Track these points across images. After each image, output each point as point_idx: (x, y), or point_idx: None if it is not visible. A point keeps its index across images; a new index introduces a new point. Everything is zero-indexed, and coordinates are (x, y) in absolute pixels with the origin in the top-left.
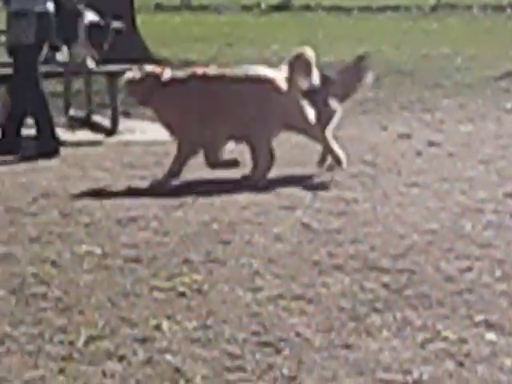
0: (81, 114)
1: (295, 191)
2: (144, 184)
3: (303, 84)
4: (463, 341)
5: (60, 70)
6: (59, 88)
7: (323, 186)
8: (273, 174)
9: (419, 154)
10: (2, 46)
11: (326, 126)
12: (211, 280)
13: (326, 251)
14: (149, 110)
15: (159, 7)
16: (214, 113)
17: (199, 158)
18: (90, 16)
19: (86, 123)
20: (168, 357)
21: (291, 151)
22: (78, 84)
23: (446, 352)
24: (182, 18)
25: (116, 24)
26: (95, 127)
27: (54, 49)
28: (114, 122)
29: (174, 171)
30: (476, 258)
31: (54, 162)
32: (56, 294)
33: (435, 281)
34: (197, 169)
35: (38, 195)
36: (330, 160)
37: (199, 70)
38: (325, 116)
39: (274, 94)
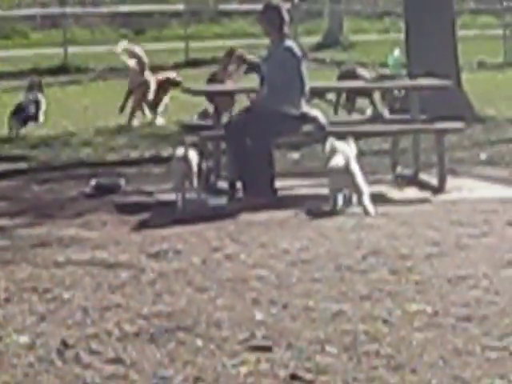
0: (408, 172)
1: None
2: (472, 242)
3: None
4: None
5: (386, 128)
6: (386, 146)
7: None
8: None
9: None
10: None
11: None
12: None
13: None
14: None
15: (482, 65)
16: None
17: None
18: None
19: (414, 181)
20: None
21: None
22: (404, 142)
23: None
24: (504, 76)
25: (441, 83)
26: (422, 185)
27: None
28: (442, 180)
29: None
30: None
31: (381, 220)
32: (388, 351)
33: None
34: None
35: (368, 253)
36: None
37: None
38: None
39: None
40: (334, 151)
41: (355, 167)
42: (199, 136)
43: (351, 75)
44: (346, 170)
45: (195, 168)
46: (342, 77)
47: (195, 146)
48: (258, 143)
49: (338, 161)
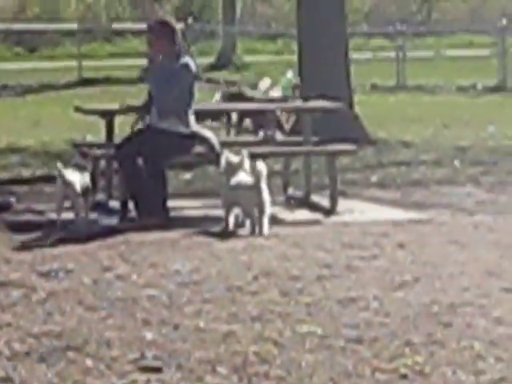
0: (299, 193)
1: None
2: (363, 264)
3: None
4: None
5: (278, 150)
6: (277, 167)
7: None
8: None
9: None
10: None
11: None
12: (433, 362)
13: None
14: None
15: (375, 87)
16: None
17: None
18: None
19: (305, 203)
20: None
21: None
22: (296, 163)
23: None
24: (396, 99)
25: (333, 105)
26: (314, 207)
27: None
28: (333, 201)
29: None
30: None
31: (272, 241)
32: (278, 373)
33: None
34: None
35: (259, 273)
36: None
37: None
38: None
39: None
40: (231, 166)
41: (263, 183)
42: (91, 155)
43: (238, 96)
44: (255, 186)
45: (78, 189)
46: (229, 97)
47: (82, 166)
48: (150, 163)
49: (243, 177)
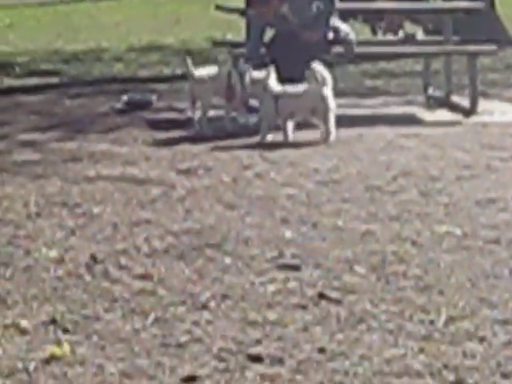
0: (439, 93)
1: None
2: (502, 165)
3: None
4: None
5: (419, 49)
6: (418, 67)
7: None
8: None
9: None
10: None
11: None
12: None
13: None
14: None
15: None
16: None
17: None
18: None
19: (445, 103)
20: None
21: None
22: (437, 64)
23: None
24: None
25: (475, 5)
26: (454, 107)
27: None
28: (473, 102)
29: None
30: None
31: (412, 142)
32: (416, 272)
33: None
34: None
35: (398, 174)
36: None
37: None
38: None
39: None
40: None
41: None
42: (231, 53)
43: None
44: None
45: (207, 87)
46: None
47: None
48: (293, 63)
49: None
